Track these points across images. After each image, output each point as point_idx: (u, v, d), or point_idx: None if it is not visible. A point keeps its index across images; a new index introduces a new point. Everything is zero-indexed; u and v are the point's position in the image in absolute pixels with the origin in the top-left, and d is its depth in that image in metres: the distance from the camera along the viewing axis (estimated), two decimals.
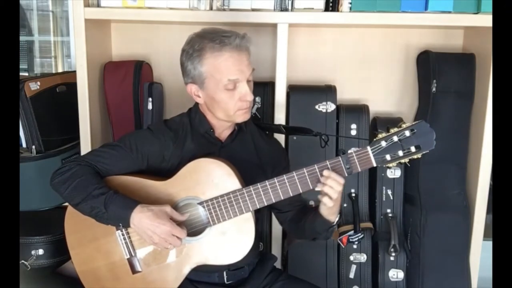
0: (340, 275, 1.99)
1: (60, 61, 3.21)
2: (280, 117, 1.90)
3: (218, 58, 1.33)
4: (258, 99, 2.03)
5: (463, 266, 1.97)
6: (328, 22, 1.88)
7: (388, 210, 2.01)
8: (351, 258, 1.99)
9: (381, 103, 2.14)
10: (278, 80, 1.87)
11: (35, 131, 1.92)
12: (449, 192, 1.98)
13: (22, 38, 3.20)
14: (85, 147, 1.90)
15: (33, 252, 1.83)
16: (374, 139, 1.25)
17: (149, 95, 1.97)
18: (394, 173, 1.99)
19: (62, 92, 2.06)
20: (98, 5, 1.85)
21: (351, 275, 1.99)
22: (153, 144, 1.42)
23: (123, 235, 1.39)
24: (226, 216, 1.33)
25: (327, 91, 1.99)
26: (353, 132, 1.99)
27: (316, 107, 1.97)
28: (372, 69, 2.13)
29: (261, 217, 1.95)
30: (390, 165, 1.26)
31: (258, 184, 1.31)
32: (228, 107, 1.37)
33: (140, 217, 1.29)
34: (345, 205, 1.99)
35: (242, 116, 1.40)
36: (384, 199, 2.01)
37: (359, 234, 1.92)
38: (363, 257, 1.99)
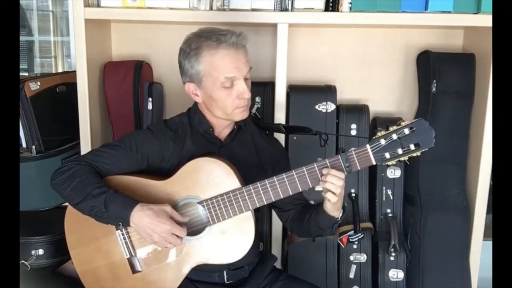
0: (340, 275, 1.99)
1: (60, 61, 3.21)
2: (280, 117, 1.90)
3: (215, 55, 1.34)
4: (258, 99, 2.03)
5: (463, 266, 1.97)
6: (328, 22, 1.88)
7: (388, 210, 2.01)
8: (351, 258, 1.99)
9: (381, 103, 2.14)
10: (278, 80, 1.87)
11: (35, 131, 1.92)
12: (449, 192, 1.98)
13: (22, 38, 3.20)
14: (85, 147, 1.90)
15: (33, 252, 1.83)
16: (373, 137, 1.25)
17: (149, 95, 1.97)
18: (394, 173, 1.99)
19: (62, 92, 2.06)
20: (98, 5, 1.85)
21: (351, 275, 1.99)
22: (153, 144, 1.42)
23: (123, 235, 1.39)
24: (226, 215, 1.33)
25: (327, 91, 1.99)
26: (353, 132, 1.99)
27: (316, 107, 1.97)
28: (372, 69, 2.13)
29: (261, 217, 1.95)
30: (390, 163, 1.26)
31: (258, 183, 1.31)
32: (226, 105, 1.38)
33: (140, 216, 1.29)
34: (345, 205, 1.98)
35: (240, 115, 1.40)
36: (384, 199, 2.01)
37: (359, 234, 1.92)
38: (363, 257, 1.99)
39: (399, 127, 1.24)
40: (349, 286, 1.99)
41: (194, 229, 1.37)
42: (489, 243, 1.98)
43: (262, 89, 2.03)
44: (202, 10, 1.82)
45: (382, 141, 1.24)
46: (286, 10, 1.82)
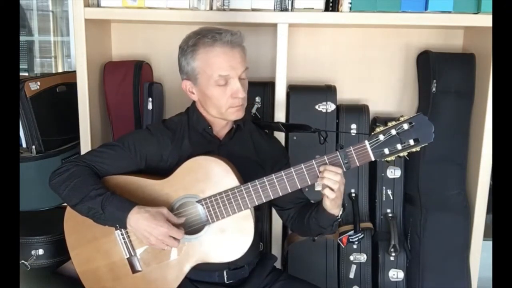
0: (340, 275, 1.99)
1: (60, 61, 3.21)
2: (280, 117, 1.90)
3: (210, 53, 1.34)
4: (258, 99, 2.03)
5: (463, 266, 1.97)
6: (328, 22, 1.88)
7: (388, 210, 2.01)
8: (351, 258, 1.99)
9: (381, 103, 2.15)
10: (278, 80, 1.87)
11: (35, 131, 1.92)
12: (449, 192, 1.98)
13: (22, 38, 3.20)
14: (85, 147, 1.90)
15: (33, 252, 1.83)
16: (372, 133, 1.25)
17: (149, 95, 1.97)
18: (394, 173, 1.99)
19: (62, 92, 2.06)
20: (98, 5, 1.85)
21: (351, 275, 1.99)
22: (152, 143, 1.43)
23: (122, 234, 1.39)
24: (225, 213, 1.33)
25: (327, 91, 1.99)
26: (354, 132, 1.99)
27: (316, 107, 1.97)
28: (372, 69, 2.13)
29: (261, 216, 1.95)
30: (389, 159, 1.25)
31: (257, 181, 1.31)
32: (220, 104, 1.38)
33: (137, 218, 1.29)
34: (345, 203, 1.98)
35: (235, 114, 1.40)
36: (384, 199, 2.01)
37: (359, 234, 1.92)
38: (363, 257, 1.99)
39: (398, 122, 1.23)
40: (349, 286, 1.99)
41: (193, 228, 1.37)
42: (489, 243, 1.98)
43: (262, 89, 2.03)
44: (202, 10, 1.82)
45: (381, 137, 1.23)
46: (286, 10, 1.82)
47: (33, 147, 1.92)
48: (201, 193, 1.35)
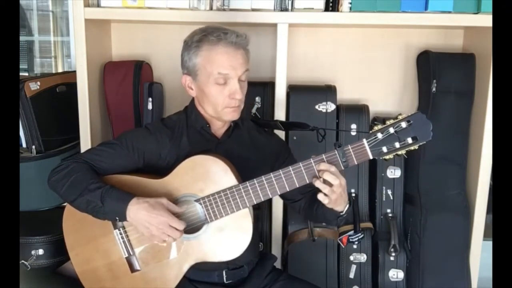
0: (340, 275, 1.99)
1: (60, 61, 3.21)
2: (280, 117, 1.90)
3: (213, 51, 1.35)
4: (258, 99, 2.03)
5: (463, 266, 1.97)
6: (328, 22, 1.88)
7: (388, 210, 2.01)
8: (351, 258, 1.99)
9: (381, 103, 2.15)
10: (278, 80, 1.87)
11: (35, 131, 1.92)
12: (449, 192, 1.98)
13: (22, 38, 3.20)
14: (85, 147, 1.90)
15: (33, 252, 1.83)
16: (370, 131, 1.25)
17: (149, 95, 1.97)
18: (394, 173, 1.99)
19: (62, 92, 2.06)
20: (98, 5, 1.85)
21: (351, 275, 1.99)
22: (150, 142, 1.43)
23: (121, 234, 1.39)
24: (223, 212, 1.33)
25: (327, 91, 1.99)
26: (353, 132, 1.99)
27: (316, 107, 1.97)
28: (372, 69, 2.13)
29: (261, 216, 1.95)
30: (387, 157, 1.24)
31: (255, 179, 1.31)
32: (217, 102, 1.38)
33: (137, 209, 1.29)
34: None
35: (230, 115, 1.40)
36: (384, 199, 2.01)
37: (359, 234, 1.92)
38: (363, 257, 1.99)
39: (396, 120, 1.23)
40: (349, 286, 1.99)
41: (192, 227, 1.37)
42: (489, 243, 1.98)
43: (262, 89, 2.03)
44: (202, 10, 1.82)
45: (379, 135, 1.23)
46: (286, 10, 1.82)
47: (33, 147, 1.92)
48: (199, 192, 1.35)
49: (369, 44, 2.12)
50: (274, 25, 1.85)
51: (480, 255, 1.97)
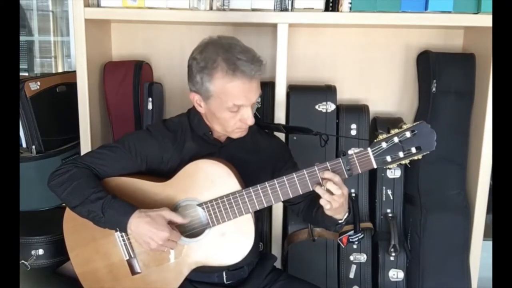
0: (340, 275, 1.99)
1: (60, 61, 3.21)
2: (280, 117, 1.90)
3: (229, 83, 1.30)
4: (258, 99, 2.03)
5: (463, 266, 1.97)
6: (328, 22, 1.88)
7: (388, 210, 2.01)
8: (351, 258, 1.99)
9: (381, 103, 2.14)
10: (278, 80, 1.87)
11: (35, 131, 1.92)
12: (449, 192, 1.98)
13: (22, 38, 3.20)
14: (85, 147, 1.90)
15: (33, 252, 1.83)
16: (375, 140, 1.25)
17: (149, 95, 1.97)
18: (394, 173, 1.99)
19: (62, 92, 2.06)
20: (98, 5, 1.85)
21: (351, 275, 1.99)
22: (152, 145, 1.42)
23: (122, 236, 1.38)
24: (225, 217, 1.33)
25: (327, 91, 1.99)
26: (353, 132, 1.99)
27: (316, 107, 1.97)
28: (372, 69, 2.13)
29: (261, 216, 1.95)
30: (391, 166, 1.25)
31: (258, 185, 1.31)
32: (228, 125, 1.37)
33: (138, 222, 1.28)
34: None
35: (238, 134, 1.40)
36: (384, 199, 2.01)
37: (359, 234, 1.91)
38: (363, 257, 1.99)
39: (400, 130, 1.23)
40: (349, 286, 1.98)
41: (193, 231, 1.36)
42: (489, 243, 1.98)
43: (262, 89, 2.02)
44: (202, 10, 1.82)
45: (384, 144, 1.23)
46: (286, 10, 1.82)
47: (33, 147, 1.92)
48: (202, 196, 1.34)
49: (369, 44, 2.12)
50: (274, 25, 1.85)
51: (480, 255, 1.97)
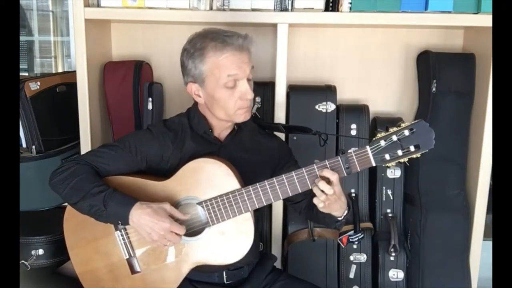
0: (340, 275, 1.99)
1: (60, 61, 3.21)
2: (280, 117, 1.90)
3: (220, 56, 1.34)
4: (258, 99, 2.03)
5: (463, 266, 1.97)
6: (328, 22, 1.88)
7: (388, 210, 2.01)
8: (351, 258, 1.99)
9: (381, 103, 2.14)
10: (278, 80, 1.87)
11: (35, 131, 1.92)
12: (449, 192, 1.98)
13: (22, 38, 3.20)
14: (85, 147, 1.90)
15: (33, 252, 1.83)
16: (373, 139, 1.25)
17: (149, 95, 1.97)
18: (394, 173, 1.99)
19: (62, 92, 2.06)
20: (98, 5, 1.85)
21: (351, 275, 1.99)
22: (152, 144, 1.42)
23: (122, 235, 1.39)
24: (225, 216, 1.33)
25: (327, 91, 1.99)
26: (353, 132, 1.99)
27: (316, 107, 1.97)
28: (372, 69, 2.13)
29: (261, 216, 1.95)
30: (389, 164, 1.26)
31: (257, 184, 1.31)
32: (228, 106, 1.37)
33: (139, 214, 1.29)
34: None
35: (243, 116, 1.40)
36: (384, 199, 2.01)
37: (359, 234, 1.91)
38: (363, 257, 1.99)
39: (399, 128, 1.24)
40: (349, 286, 1.98)
41: (193, 230, 1.37)
42: (489, 243, 1.98)
43: (262, 89, 2.03)
44: (202, 10, 1.82)
45: (382, 143, 1.24)
46: (286, 10, 1.82)
47: (33, 147, 1.92)
48: (202, 195, 1.35)
49: (369, 44, 2.12)
50: (274, 25, 1.85)
51: (480, 255, 1.97)
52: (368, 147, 1.25)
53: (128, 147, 1.41)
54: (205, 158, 1.36)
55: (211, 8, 1.83)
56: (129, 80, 1.99)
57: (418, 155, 1.24)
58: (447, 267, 1.96)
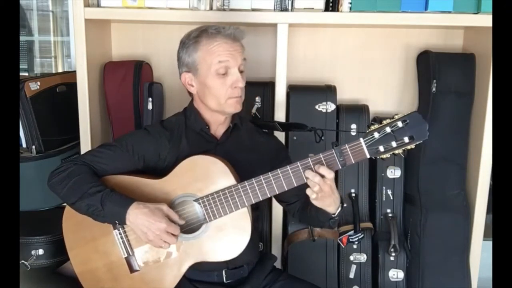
0: (340, 275, 1.99)
1: (60, 61, 3.21)
2: (280, 117, 1.90)
3: (212, 43, 1.37)
4: (258, 99, 2.03)
5: (463, 266, 1.97)
6: (328, 22, 1.88)
7: (388, 210, 2.01)
8: (351, 258, 1.99)
9: (381, 103, 2.14)
10: (278, 80, 1.87)
11: (35, 131, 1.92)
12: (449, 192, 1.98)
13: (22, 38, 3.20)
14: (85, 147, 1.90)
15: (33, 252, 1.83)
16: (367, 131, 1.26)
17: (149, 95, 1.97)
18: (394, 173, 1.99)
19: (62, 92, 2.06)
20: (98, 5, 1.85)
21: (351, 275, 1.99)
22: (149, 143, 1.43)
23: (120, 234, 1.39)
24: (222, 212, 1.33)
25: (327, 91, 1.99)
26: (353, 132, 1.99)
27: (316, 107, 1.97)
28: (372, 69, 2.13)
29: (261, 216, 1.95)
30: (384, 156, 1.26)
31: (253, 179, 1.31)
32: (220, 94, 1.39)
33: (136, 214, 1.29)
34: (345, 205, 1.98)
35: (233, 106, 1.41)
36: (384, 199, 2.01)
37: (359, 234, 1.92)
38: (363, 257, 1.99)
39: (392, 120, 1.24)
40: (349, 286, 1.99)
41: (191, 227, 1.37)
42: (489, 243, 1.98)
43: (262, 89, 2.03)
44: (202, 10, 1.82)
45: (376, 134, 1.24)
46: (286, 10, 1.82)
47: (33, 147, 1.92)
48: (198, 192, 1.35)
49: (369, 44, 2.12)
50: (274, 25, 1.85)
51: (480, 255, 1.97)
52: (361, 139, 1.26)
53: (125, 147, 1.42)
54: (201, 155, 1.36)
55: (211, 8, 1.83)
56: (129, 80, 2.00)
57: (413, 146, 1.24)
58: (447, 267, 1.96)
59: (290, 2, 1.81)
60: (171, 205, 1.36)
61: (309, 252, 1.96)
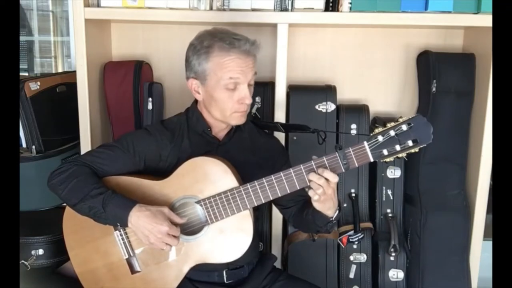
0: (340, 275, 1.99)
1: (60, 61, 3.21)
2: (280, 117, 1.90)
3: (225, 57, 1.34)
4: (258, 99, 2.03)
5: (463, 266, 1.97)
6: (328, 22, 1.88)
7: (388, 210, 2.01)
8: (351, 258, 1.99)
9: (381, 103, 2.15)
10: (278, 80, 1.87)
11: (35, 131, 1.92)
12: (449, 192, 1.98)
13: (22, 38, 3.20)
14: (85, 147, 1.90)
15: (33, 252, 1.83)
16: (371, 134, 1.25)
17: (149, 95, 1.97)
18: (394, 173, 1.99)
19: (62, 92, 2.06)
20: (98, 5, 1.85)
21: (351, 275, 1.99)
22: (150, 144, 1.43)
23: (121, 235, 1.39)
24: (224, 214, 1.33)
25: (327, 91, 1.99)
26: (353, 132, 1.99)
27: (316, 107, 1.97)
28: (372, 69, 2.13)
29: (261, 216, 1.95)
30: (388, 159, 1.25)
31: (256, 181, 1.31)
32: (225, 107, 1.38)
33: (138, 216, 1.29)
34: (345, 205, 1.99)
35: (238, 119, 1.40)
36: (384, 199, 2.01)
37: (359, 234, 1.92)
38: (363, 257, 1.99)
39: (396, 123, 1.23)
40: (349, 286, 1.98)
41: (192, 229, 1.37)
42: (489, 243, 1.98)
43: (262, 89, 2.03)
44: (202, 10, 1.82)
45: (380, 138, 1.24)
46: (286, 10, 1.82)
47: (33, 147, 1.92)
48: (200, 193, 1.35)
49: (369, 44, 2.12)
50: (274, 25, 1.85)
51: (480, 255, 1.97)
52: (365, 143, 1.25)
53: (126, 147, 1.41)
54: (202, 157, 1.36)
55: (211, 8, 1.83)
56: (129, 80, 2.00)
57: (417, 149, 1.23)
58: (447, 267, 1.96)
59: (290, 2, 1.81)
60: (173, 206, 1.36)
61: (309, 252, 1.96)
